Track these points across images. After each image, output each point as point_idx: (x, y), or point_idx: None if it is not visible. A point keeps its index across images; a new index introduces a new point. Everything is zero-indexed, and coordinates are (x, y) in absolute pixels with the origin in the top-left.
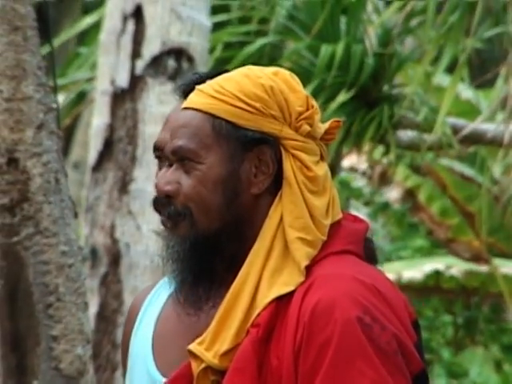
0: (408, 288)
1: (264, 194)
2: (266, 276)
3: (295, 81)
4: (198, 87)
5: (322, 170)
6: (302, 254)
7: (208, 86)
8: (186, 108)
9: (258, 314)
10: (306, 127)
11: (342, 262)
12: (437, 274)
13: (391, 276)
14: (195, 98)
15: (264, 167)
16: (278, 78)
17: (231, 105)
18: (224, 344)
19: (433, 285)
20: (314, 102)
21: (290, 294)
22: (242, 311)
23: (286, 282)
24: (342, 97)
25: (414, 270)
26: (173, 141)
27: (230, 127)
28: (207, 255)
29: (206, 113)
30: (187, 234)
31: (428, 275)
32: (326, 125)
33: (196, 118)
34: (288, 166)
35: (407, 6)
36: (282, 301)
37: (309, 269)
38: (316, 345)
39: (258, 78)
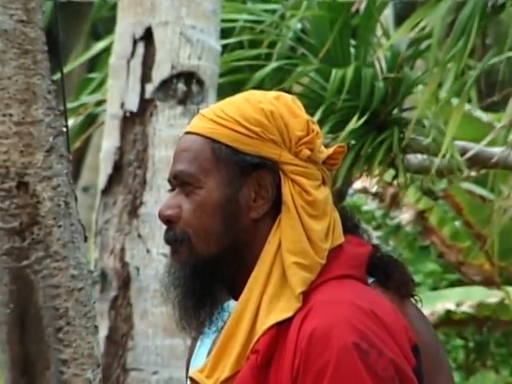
0: None
1: (263, 218)
2: (265, 302)
3: (297, 105)
4: (200, 111)
5: (323, 194)
6: (298, 280)
7: (210, 110)
8: (188, 132)
9: (257, 341)
10: (306, 152)
11: (340, 287)
12: (448, 312)
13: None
14: (197, 123)
15: (263, 192)
16: (280, 102)
17: (231, 129)
18: (224, 371)
19: (444, 320)
20: (315, 127)
21: (289, 320)
22: (241, 338)
23: (283, 309)
24: (354, 122)
25: (426, 310)
26: (174, 165)
27: (229, 152)
28: (207, 280)
29: (206, 137)
30: (186, 259)
31: (440, 316)
32: (330, 150)
33: (196, 142)
34: (287, 190)
35: (416, 28)
36: (281, 327)
37: (307, 294)
38: (313, 371)
39: (258, 102)
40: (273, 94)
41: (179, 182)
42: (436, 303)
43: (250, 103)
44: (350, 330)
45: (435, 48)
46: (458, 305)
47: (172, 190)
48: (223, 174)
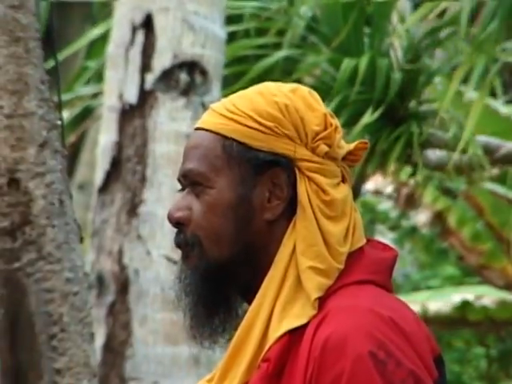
0: (434, 321)
1: (279, 219)
2: (278, 308)
3: (314, 98)
4: (211, 106)
5: (342, 193)
6: (314, 285)
7: (221, 104)
8: (198, 128)
9: (269, 348)
10: (324, 147)
11: (359, 292)
12: (465, 305)
13: (416, 308)
14: (207, 118)
15: (278, 191)
16: (296, 95)
17: (243, 125)
18: (234, 381)
19: (459, 316)
20: (334, 121)
21: (303, 327)
22: (253, 346)
23: (297, 315)
24: (368, 115)
25: (441, 302)
26: (184, 163)
27: (241, 148)
28: (220, 285)
29: (216, 133)
30: (197, 264)
31: (456, 306)
32: (351, 146)
33: (207, 139)
34: (303, 189)
35: (436, 15)
36: (295, 334)
37: (323, 300)
38: (326, 382)
39: (272, 95)
40: (289, 86)
41: (189, 181)
42: (453, 295)
43: (264, 96)
44: (366, 338)
45: (461, 35)
46: (477, 297)
47: (182, 189)
48: (235, 173)
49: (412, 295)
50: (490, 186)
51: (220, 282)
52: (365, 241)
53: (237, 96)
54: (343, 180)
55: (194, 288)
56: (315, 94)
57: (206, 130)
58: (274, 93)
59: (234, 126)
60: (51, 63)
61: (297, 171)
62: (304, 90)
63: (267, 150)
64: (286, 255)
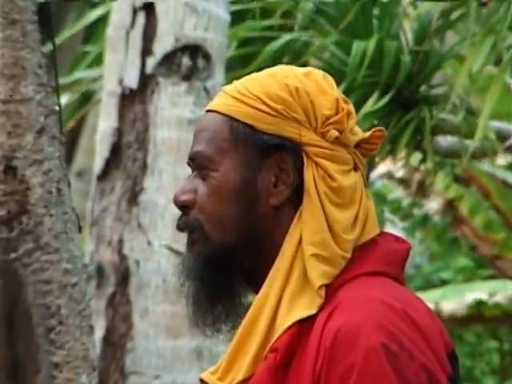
0: (448, 320)
1: (285, 205)
2: (286, 299)
3: (327, 82)
4: (223, 88)
5: (351, 180)
6: (317, 273)
7: (233, 86)
8: (208, 110)
9: (278, 339)
10: (334, 133)
11: (372, 283)
12: (479, 304)
13: (429, 306)
14: (218, 100)
15: (284, 176)
16: (308, 78)
17: (252, 107)
18: (239, 373)
19: (475, 314)
20: (347, 106)
21: (313, 318)
22: (259, 337)
23: (306, 305)
24: (376, 100)
25: (455, 302)
26: (192, 146)
27: (248, 130)
28: (223, 271)
29: (225, 115)
30: (201, 249)
31: (470, 306)
32: (366, 133)
33: (215, 120)
34: (309, 175)
35: None
36: (304, 325)
37: (335, 290)
38: (336, 374)
39: (284, 78)
40: (303, 69)
41: (196, 164)
42: (465, 294)
43: (275, 79)
44: (378, 330)
45: (472, 17)
46: (490, 295)
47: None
48: (241, 155)
49: (424, 293)
50: (487, 168)
51: (223, 268)
52: (378, 231)
53: (249, 78)
54: (355, 168)
55: (197, 273)
56: (329, 78)
57: (216, 112)
58: (286, 75)
59: (243, 108)
60: (48, 47)
61: (304, 156)
62: (318, 73)
63: (274, 133)
64: (292, 245)
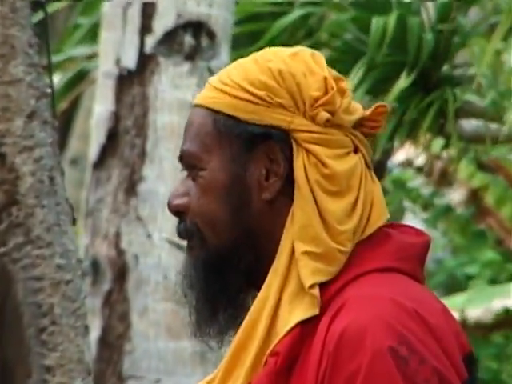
0: (474, 328)
1: (280, 198)
2: (286, 300)
3: (317, 61)
4: (209, 79)
5: (347, 164)
6: (308, 272)
7: (217, 76)
8: (195, 105)
9: (279, 342)
10: (324, 115)
11: (381, 281)
12: (507, 311)
13: (454, 314)
14: (202, 92)
15: (276, 167)
16: (295, 59)
17: (233, 96)
18: (238, 381)
19: (502, 320)
20: (341, 83)
21: (317, 319)
22: (258, 342)
23: (308, 306)
24: (402, 81)
25: (481, 309)
26: (182, 144)
27: (231, 123)
28: (222, 276)
29: (207, 108)
30: (198, 254)
31: (497, 313)
32: (367, 111)
33: (199, 115)
34: (299, 163)
35: None
36: (307, 327)
37: (341, 289)
38: (341, 379)
39: (267, 61)
40: (290, 50)
41: (185, 164)
42: (493, 300)
43: (258, 63)
44: (386, 331)
45: None
46: None
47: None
48: (226, 151)
49: (449, 299)
50: None
51: (222, 272)
52: (387, 216)
53: (233, 65)
54: (356, 150)
55: (196, 281)
56: (319, 56)
57: (200, 106)
58: (270, 58)
59: (224, 99)
60: (40, 24)
61: (294, 143)
62: (306, 52)
63: (259, 122)
64: (288, 242)
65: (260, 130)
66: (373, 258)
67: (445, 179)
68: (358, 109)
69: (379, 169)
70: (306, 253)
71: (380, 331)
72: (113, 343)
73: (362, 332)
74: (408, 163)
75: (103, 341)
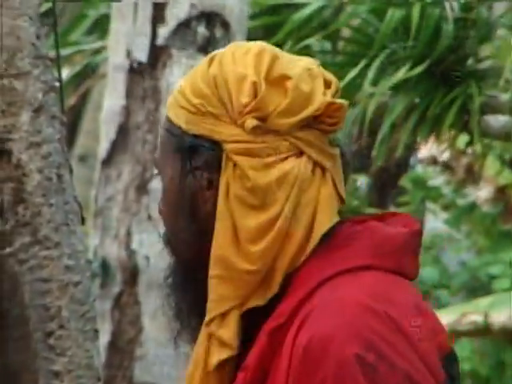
0: (498, 334)
1: None
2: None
3: (257, 61)
4: None
5: (274, 174)
6: (213, 296)
7: (184, 78)
8: None
9: (248, 354)
10: (250, 122)
11: (352, 283)
12: None
13: (478, 317)
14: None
15: (215, 178)
16: (238, 61)
17: (178, 105)
18: None
19: None
20: (278, 83)
21: (287, 326)
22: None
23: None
24: (418, 70)
25: (506, 313)
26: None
27: (177, 132)
28: (188, 289)
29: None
30: (172, 265)
31: None
32: (318, 109)
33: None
34: (224, 178)
35: None
36: (278, 335)
37: (312, 292)
38: None
39: (213, 64)
40: (246, 48)
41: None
42: None
43: (202, 67)
44: (352, 338)
45: None
46: None
47: None
48: (175, 161)
49: (471, 303)
50: None
51: (188, 281)
52: (335, 220)
53: (196, 69)
54: (301, 153)
55: (173, 286)
56: (264, 54)
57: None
58: (220, 59)
59: (174, 108)
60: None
61: (224, 156)
62: (258, 50)
63: (197, 132)
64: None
65: (195, 141)
66: (346, 257)
67: (470, 176)
68: (313, 104)
69: (401, 166)
70: (215, 276)
71: (345, 339)
72: (123, 348)
73: (325, 342)
74: (432, 160)
75: (113, 345)
